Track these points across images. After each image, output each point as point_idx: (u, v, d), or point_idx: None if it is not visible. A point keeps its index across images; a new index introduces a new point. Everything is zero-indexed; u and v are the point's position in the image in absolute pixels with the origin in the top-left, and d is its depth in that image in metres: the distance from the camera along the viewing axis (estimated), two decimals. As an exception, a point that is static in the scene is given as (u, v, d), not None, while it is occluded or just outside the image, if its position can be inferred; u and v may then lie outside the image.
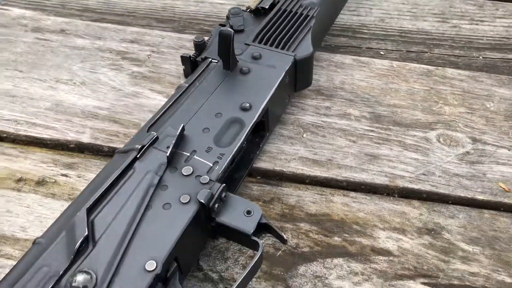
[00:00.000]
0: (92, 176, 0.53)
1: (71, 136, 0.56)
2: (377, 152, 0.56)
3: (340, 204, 0.52)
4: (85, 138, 0.56)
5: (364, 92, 0.63)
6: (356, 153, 0.56)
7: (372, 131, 0.59)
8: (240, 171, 0.52)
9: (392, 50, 0.72)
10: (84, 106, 0.60)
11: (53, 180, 0.53)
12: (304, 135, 0.58)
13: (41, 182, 0.52)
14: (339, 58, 0.68)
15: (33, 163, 0.54)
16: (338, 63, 0.67)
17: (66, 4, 0.77)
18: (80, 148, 0.56)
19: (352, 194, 0.53)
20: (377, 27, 0.76)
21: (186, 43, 0.69)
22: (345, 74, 0.66)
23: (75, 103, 0.60)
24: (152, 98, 0.61)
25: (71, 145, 0.56)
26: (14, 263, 0.46)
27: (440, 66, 0.68)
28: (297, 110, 0.61)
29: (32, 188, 0.52)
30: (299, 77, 0.58)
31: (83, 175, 0.53)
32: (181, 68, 0.65)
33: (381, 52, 0.72)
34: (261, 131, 0.55)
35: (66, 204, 0.51)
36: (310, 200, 0.52)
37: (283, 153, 0.56)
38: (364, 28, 0.76)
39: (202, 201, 0.42)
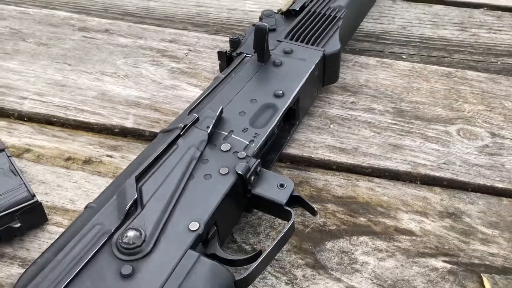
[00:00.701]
0: (134, 157, 0.57)
1: (115, 121, 0.61)
2: (400, 143, 0.60)
3: (365, 189, 0.55)
4: (129, 124, 0.61)
5: (388, 89, 0.67)
6: (381, 143, 0.60)
7: (395, 124, 0.62)
8: (272, 154, 0.56)
9: (413, 54, 0.76)
10: (128, 95, 0.65)
11: (99, 160, 0.57)
12: (331, 126, 0.61)
13: (88, 161, 0.57)
14: (364, 59, 0.72)
15: (81, 145, 0.59)
16: (362, 64, 0.71)
17: (108, 9, 0.83)
18: (123, 132, 0.61)
19: (377, 180, 0.56)
20: (399, 34, 0.80)
21: (220, 44, 0.74)
22: (369, 73, 0.70)
23: (119, 93, 0.65)
24: (190, 90, 0.66)
25: (116, 130, 0.61)
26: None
27: (460, 69, 0.72)
28: (324, 103, 0.65)
29: (79, 166, 0.57)
30: (327, 72, 0.62)
31: (126, 156, 0.58)
32: (216, 65, 0.70)
33: (403, 56, 0.75)
34: (291, 120, 0.59)
35: (110, 181, 0.55)
36: (336, 184, 0.55)
37: (311, 141, 0.59)
38: (387, 34, 0.80)
39: (240, 172, 0.46)
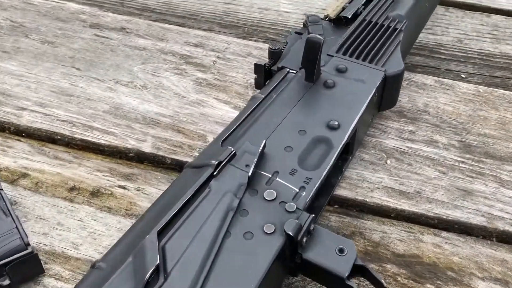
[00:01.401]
0: (152, 190, 0.48)
1: (131, 143, 0.51)
2: (471, 187, 0.50)
3: (431, 245, 0.45)
4: (146, 147, 0.51)
5: (451, 117, 0.57)
6: (447, 186, 0.50)
7: (463, 162, 0.52)
8: (320, 199, 0.46)
9: (473, 73, 0.66)
10: (146, 111, 0.55)
11: (109, 192, 0.47)
12: (388, 162, 0.51)
13: (96, 193, 0.47)
14: (420, 78, 0.62)
15: (88, 171, 0.49)
16: (419, 84, 0.61)
17: (124, 2, 0.72)
18: (140, 158, 0.51)
19: (444, 234, 0.46)
20: (455, 48, 0.70)
21: (253, 51, 0.64)
22: (428, 96, 0.60)
23: (136, 107, 0.55)
24: (218, 108, 0.56)
25: (130, 154, 0.51)
26: (64, 285, 0.41)
27: (531, 95, 0.62)
28: (378, 132, 0.54)
29: (86, 199, 0.47)
30: (385, 96, 0.52)
31: (142, 188, 0.48)
32: (248, 77, 0.60)
33: (462, 75, 0.65)
34: (343, 154, 0.49)
35: (122, 220, 0.45)
36: (396, 237, 0.46)
37: (365, 181, 0.49)
38: (442, 48, 0.70)
39: (290, 233, 0.36)
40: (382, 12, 0.57)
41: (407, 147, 0.53)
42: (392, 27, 0.55)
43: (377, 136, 0.54)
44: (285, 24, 0.72)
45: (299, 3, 0.76)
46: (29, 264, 0.39)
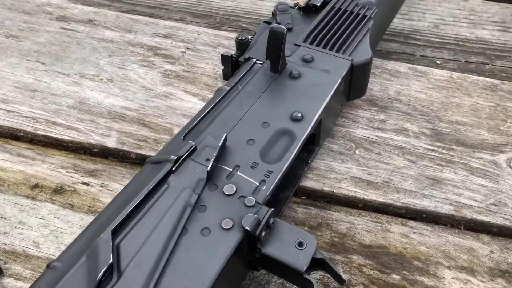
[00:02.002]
0: (116, 186, 0.47)
1: (95, 139, 0.50)
2: (440, 176, 0.49)
3: (398, 235, 0.45)
4: (111, 142, 0.50)
5: (423, 105, 0.56)
6: (416, 175, 0.49)
7: (433, 150, 0.51)
8: (285, 191, 0.45)
9: (449, 59, 0.65)
10: (111, 105, 0.54)
11: (73, 189, 0.47)
12: (357, 152, 0.51)
13: (59, 190, 0.46)
14: (393, 66, 0.61)
15: (51, 168, 0.48)
16: (392, 71, 0.60)
17: (94, -7, 0.71)
18: (104, 153, 0.50)
19: (412, 223, 0.46)
20: (431, 34, 0.69)
21: (223, 41, 0.63)
22: (400, 83, 0.59)
23: (101, 101, 0.54)
24: (186, 100, 0.55)
25: (95, 149, 0.50)
26: (24, 285, 0.40)
27: (505, 80, 0.61)
28: (348, 122, 0.54)
29: (48, 196, 0.46)
30: (354, 85, 0.51)
31: (106, 184, 0.47)
32: (218, 68, 0.59)
33: (437, 62, 0.64)
34: (309, 145, 0.48)
35: (85, 218, 0.45)
36: (363, 228, 0.45)
37: (333, 171, 0.49)
38: (417, 34, 0.69)
39: (248, 228, 0.35)
40: (351, -1, 0.56)
41: (377, 136, 0.52)
42: (361, 15, 0.54)
43: (347, 126, 0.53)
44: (259, 13, 0.70)
45: (274, -9, 0.74)
46: (-15, 266, 0.38)
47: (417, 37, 0.69)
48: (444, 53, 0.66)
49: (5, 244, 0.42)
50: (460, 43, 0.68)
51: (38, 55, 0.59)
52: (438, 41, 0.68)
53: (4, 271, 0.40)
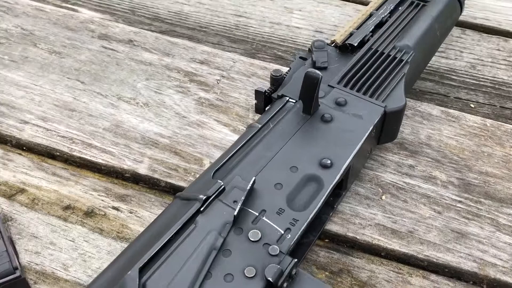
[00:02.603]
0: (145, 213, 0.48)
1: (127, 164, 0.52)
2: (465, 230, 0.49)
3: (418, 288, 0.45)
4: (142, 169, 0.52)
5: (453, 152, 0.56)
6: (441, 227, 0.49)
7: (460, 202, 0.51)
8: (309, 235, 0.46)
9: (483, 103, 0.64)
10: (145, 131, 0.55)
11: (103, 213, 0.48)
12: (383, 197, 0.51)
13: (89, 213, 0.48)
14: (426, 108, 0.61)
15: (84, 190, 0.50)
16: (424, 114, 0.60)
17: (136, 10, 0.73)
18: (135, 179, 0.51)
19: (433, 277, 0.46)
20: (467, 74, 0.68)
21: (258, 71, 0.64)
22: (432, 127, 0.58)
23: (136, 126, 0.55)
24: (218, 130, 0.56)
25: (126, 175, 0.51)
26: (51, 307, 0.42)
27: (541, 131, 0.60)
28: (376, 165, 0.54)
29: (79, 219, 0.48)
30: (385, 130, 0.51)
31: (135, 211, 0.49)
32: (251, 99, 0.60)
33: (471, 105, 0.64)
34: (336, 189, 0.49)
35: (113, 243, 0.46)
36: (384, 277, 0.45)
37: (358, 216, 0.49)
38: (453, 73, 0.68)
39: (270, 279, 0.36)
40: (389, 41, 0.56)
41: (405, 182, 0.52)
42: (398, 59, 0.54)
43: (375, 169, 0.53)
44: (295, 41, 0.71)
45: (312, 18, 0.75)
46: (17, 287, 0.40)
47: (453, 77, 0.68)
48: (479, 96, 0.65)
49: (36, 264, 0.44)
50: (496, 86, 0.67)
51: (78, 74, 0.61)
52: (474, 82, 0.67)
53: (33, 291, 0.42)
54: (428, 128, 0.59)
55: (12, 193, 0.49)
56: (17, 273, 0.39)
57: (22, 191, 0.49)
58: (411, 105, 0.61)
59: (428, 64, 0.69)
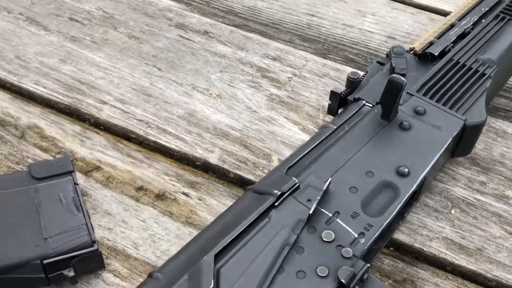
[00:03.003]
0: (213, 202, 0.49)
1: (199, 152, 0.53)
2: (538, 254, 0.47)
3: (484, 307, 0.44)
4: (213, 159, 0.52)
5: (527, 173, 0.54)
6: (512, 248, 0.48)
7: (533, 224, 0.50)
8: (377, 242, 0.45)
9: (561, 124, 0.62)
10: (217, 122, 0.56)
11: (173, 197, 0.49)
12: (452, 211, 0.50)
13: (161, 196, 0.49)
14: (501, 125, 0.59)
15: (157, 173, 0.51)
16: (499, 131, 0.58)
17: (211, 2, 0.74)
18: (206, 168, 0.52)
19: (501, 298, 0.45)
20: (544, 93, 0.66)
21: (330, 72, 0.64)
22: (506, 145, 0.57)
23: (209, 116, 0.56)
24: (287, 128, 0.56)
25: (197, 162, 0.52)
26: (121, 282, 0.43)
27: None
28: (447, 178, 0.53)
29: (151, 200, 0.49)
30: (461, 144, 0.50)
31: (204, 198, 0.49)
32: (321, 99, 0.60)
33: (548, 125, 0.62)
34: (409, 199, 0.48)
35: (181, 228, 0.47)
36: (449, 293, 0.45)
37: (426, 228, 0.48)
38: (529, 91, 0.66)
39: (343, 280, 0.36)
40: (472, 53, 0.55)
41: (475, 198, 0.51)
42: (480, 72, 0.53)
43: (445, 182, 0.52)
44: (367, 45, 0.70)
45: (385, 24, 0.74)
46: (92, 260, 0.42)
47: (529, 95, 0.66)
48: (557, 117, 0.63)
49: (109, 240, 0.46)
50: None
51: (155, 60, 0.63)
52: (551, 103, 0.65)
53: (105, 265, 0.44)
54: (503, 145, 0.57)
55: (89, 169, 0.51)
56: (95, 247, 0.41)
57: (97, 168, 0.51)
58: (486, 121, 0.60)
59: (504, 80, 0.67)
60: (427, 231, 0.48)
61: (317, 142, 0.47)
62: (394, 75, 0.46)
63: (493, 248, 0.48)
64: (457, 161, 0.55)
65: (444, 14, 0.75)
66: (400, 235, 0.48)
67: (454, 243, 0.48)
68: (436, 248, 0.47)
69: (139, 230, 0.47)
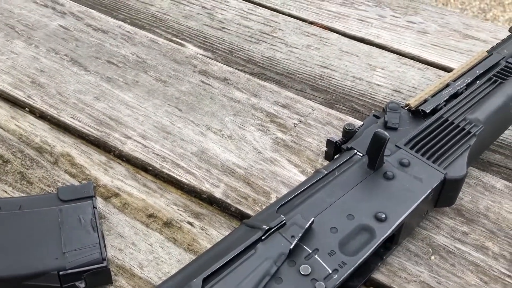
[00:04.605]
0: (213, 232, 0.55)
1: (206, 186, 0.59)
2: (510, 304, 0.51)
3: None
4: (218, 193, 0.59)
5: (510, 227, 0.58)
6: (485, 296, 0.51)
7: (509, 276, 0.53)
8: (355, 280, 0.50)
9: (553, 183, 0.65)
10: (225, 160, 0.63)
11: (179, 225, 0.56)
12: (432, 257, 0.54)
13: (168, 224, 0.56)
14: (490, 180, 0.63)
15: (167, 203, 0.58)
16: (487, 185, 0.62)
17: (234, 52, 0.82)
18: (210, 201, 0.59)
19: None
20: (541, 152, 0.69)
21: (333, 121, 0.70)
22: (492, 200, 0.60)
23: (218, 154, 0.63)
24: (288, 169, 0.62)
25: (204, 195, 0.59)
26: (125, 297, 0.49)
27: None
28: (430, 225, 0.57)
29: (159, 227, 0.55)
30: (443, 195, 0.54)
31: (206, 228, 0.56)
32: (322, 145, 0.66)
33: (540, 183, 0.65)
34: (388, 243, 0.52)
35: (183, 253, 0.53)
36: (420, 333, 0.48)
37: (404, 271, 0.53)
38: (526, 150, 0.70)
39: (312, 311, 0.41)
40: (461, 112, 0.59)
41: (455, 247, 0.55)
42: (466, 130, 0.57)
43: (429, 229, 0.57)
44: (373, 97, 0.76)
45: (393, 78, 0.80)
46: (101, 275, 0.48)
47: (525, 153, 0.69)
48: (549, 176, 0.66)
49: (118, 259, 0.52)
50: None
51: (177, 102, 0.71)
52: (547, 162, 0.68)
53: (113, 281, 0.50)
54: (489, 199, 0.61)
55: (109, 195, 0.58)
56: (104, 263, 0.47)
57: (116, 195, 0.58)
58: (475, 175, 0.64)
59: (501, 138, 0.71)
60: (406, 274, 0.52)
61: (309, 185, 0.52)
62: (379, 130, 0.51)
63: (466, 295, 0.51)
64: (442, 211, 0.59)
65: (451, 71, 0.80)
66: (380, 276, 0.52)
67: (430, 287, 0.51)
68: (412, 291, 0.51)
69: (145, 253, 0.53)
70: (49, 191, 0.58)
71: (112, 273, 0.50)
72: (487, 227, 0.57)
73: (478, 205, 0.60)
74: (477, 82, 0.65)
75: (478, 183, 0.63)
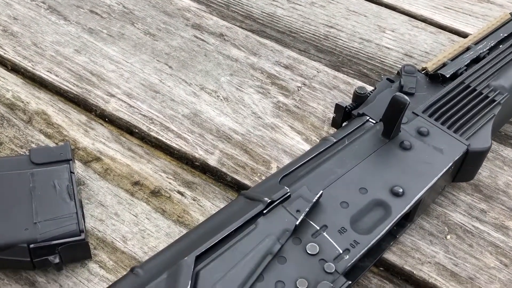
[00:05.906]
0: (207, 203, 0.49)
1: (199, 153, 0.53)
2: (532, 289, 0.46)
3: (470, 339, 0.43)
4: (212, 161, 0.53)
5: (532, 205, 0.53)
6: (506, 281, 0.46)
7: (531, 259, 0.48)
8: (365, 260, 0.45)
9: None
10: (221, 124, 0.56)
11: (168, 195, 0.50)
12: (448, 237, 0.49)
13: (156, 193, 0.50)
14: (509, 154, 0.58)
15: (154, 170, 0.52)
16: (506, 160, 0.57)
17: (230, 6, 0.74)
18: (204, 169, 0.52)
19: (488, 330, 0.44)
20: (560, 126, 0.64)
21: (340, 85, 0.63)
22: (512, 175, 0.56)
23: (213, 118, 0.57)
24: (290, 137, 0.56)
25: (196, 163, 0.53)
26: (105, 274, 0.44)
27: None
28: (446, 202, 0.52)
29: (145, 196, 0.49)
30: (463, 169, 0.49)
31: (199, 199, 0.50)
32: (328, 111, 0.60)
33: (560, 159, 0.60)
34: (402, 220, 0.47)
35: (172, 226, 0.47)
36: (435, 320, 0.44)
37: (418, 251, 0.47)
38: (545, 122, 0.64)
39: (321, 297, 0.36)
40: (484, 78, 0.54)
41: (473, 226, 0.50)
42: (490, 98, 0.52)
43: (445, 206, 0.51)
44: (383, 61, 0.70)
45: (404, 41, 0.73)
46: (79, 249, 0.42)
47: (544, 126, 0.64)
48: None
49: (99, 231, 0.46)
50: None
51: (167, 58, 0.64)
52: None
53: (92, 256, 0.44)
54: (508, 175, 0.55)
55: (89, 159, 0.52)
56: (82, 236, 0.41)
57: (97, 159, 0.52)
58: (494, 148, 0.58)
59: (519, 109, 0.66)
60: (420, 254, 0.47)
61: (315, 154, 0.46)
62: (398, 93, 0.45)
63: (485, 278, 0.46)
64: (459, 186, 0.54)
65: (465, 36, 0.74)
66: (391, 256, 0.47)
67: (446, 269, 0.47)
68: (427, 273, 0.46)
69: (130, 224, 0.47)
70: (21, 153, 0.51)
71: (92, 247, 0.45)
72: (507, 204, 0.52)
73: (497, 180, 0.55)
74: (500, 46, 0.59)
75: (496, 157, 0.57)
